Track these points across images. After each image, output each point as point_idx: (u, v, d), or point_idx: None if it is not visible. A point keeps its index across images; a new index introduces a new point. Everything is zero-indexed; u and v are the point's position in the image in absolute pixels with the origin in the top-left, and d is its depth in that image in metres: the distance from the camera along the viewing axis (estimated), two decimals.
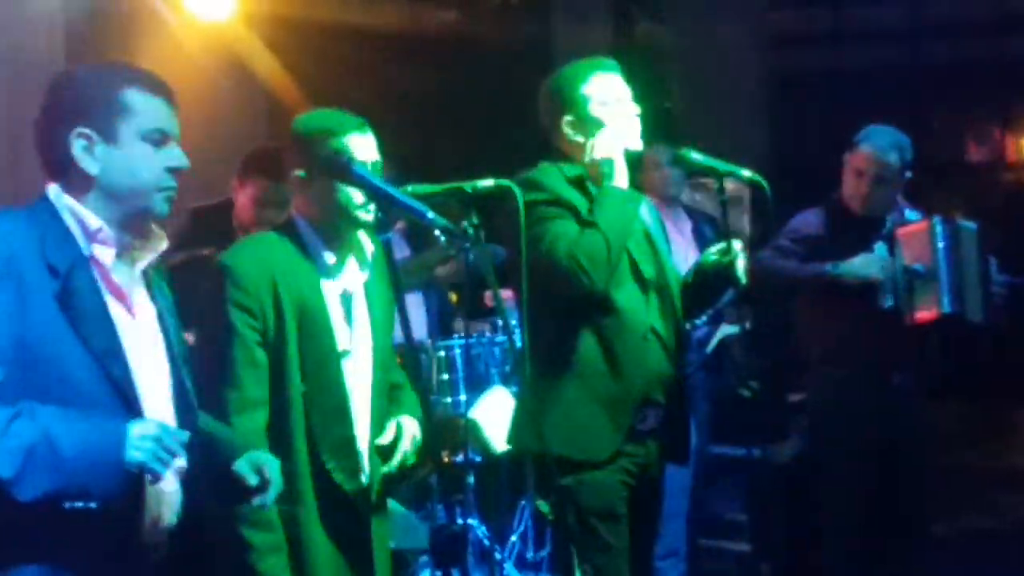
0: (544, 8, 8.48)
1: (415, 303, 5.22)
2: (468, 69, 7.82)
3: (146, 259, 2.48)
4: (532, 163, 3.53)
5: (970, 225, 4.55)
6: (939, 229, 4.44)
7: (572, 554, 3.12)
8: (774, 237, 4.62)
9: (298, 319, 2.89)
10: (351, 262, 3.02)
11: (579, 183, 3.46)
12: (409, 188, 2.96)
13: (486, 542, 4.67)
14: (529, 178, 3.45)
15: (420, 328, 5.09)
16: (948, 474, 5.83)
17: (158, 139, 2.43)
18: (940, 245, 4.42)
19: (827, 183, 4.66)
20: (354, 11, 7.02)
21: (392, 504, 3.57)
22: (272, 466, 2.56)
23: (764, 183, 3.42)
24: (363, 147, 2.95)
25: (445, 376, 4.93)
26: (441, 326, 5.30)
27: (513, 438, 3.60)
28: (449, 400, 4.90)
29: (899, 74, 8.29)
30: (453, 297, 5.62)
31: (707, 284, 3.55)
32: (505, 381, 4.89)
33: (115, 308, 2.39)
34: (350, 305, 3.01)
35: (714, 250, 3.53)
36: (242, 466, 2.54)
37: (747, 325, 5.02)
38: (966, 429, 7.22)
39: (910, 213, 4.61)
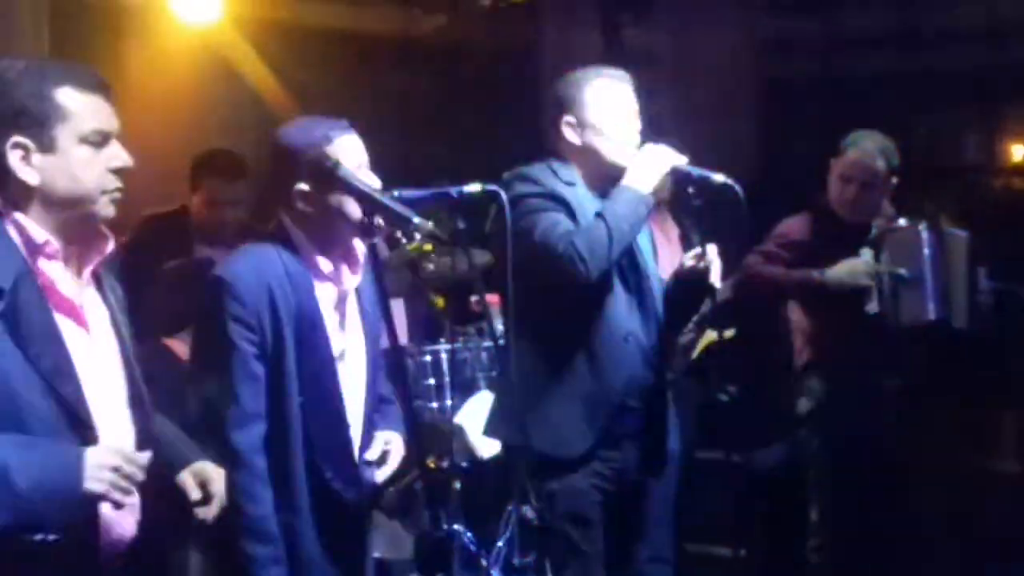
0: (533, 13, 8.48)
1: (397, 309, 5.21)
2: (456, 73, 7.82)
3: (92, 263, 2.38)
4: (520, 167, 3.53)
5: (960, 233, 4.57)
6: (925, 235, 4.46)
7: (545, 560, 3.12)
8: (760, 242, 4.62)
9: (295, 328, 2.88)
10: (344, 266, 3.02)
11: (571, 185, 3.46)
12: (396, 192, 2.95)
13: (472, 548, 4.66)
14: (522, 172, 3.46)
15: (403, 334, 5.08)
16: (935, 477, 5.84)
17: (98, 140, 2.29)
18: (926, 251, 4.44)
19: (816, 189, 4.67)
20: (342, 15, 7.02)
21: (376, 515, 3.57)
22: (218, 481, 2.47)
23: (737, 187, 3.41)
24: (350, 150, 2.94)
25: (431, 381, 4.93)
26: (427, 331, 5.29)
27: (491, 430, 3.60)
28: (435, 405, 4.89)
29: (888, 80, 8.30)
30: (439, 302, 5.61)
31: (685, 290, 3.56)
32: (491, 386, 4.88)
33: (64, 324, 2.29)
34: (344, 309, 3.01)
35: (689, 255, 3.53)
36: (185, 479, 2.47)
37: (733, 332, 5.01)
38: (953, 433, 7.23)
39: (896, 218, 4.62)
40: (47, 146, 2.25)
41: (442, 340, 5.11)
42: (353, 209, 2.86)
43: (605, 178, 3.48)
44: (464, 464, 4.67)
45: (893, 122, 4.94)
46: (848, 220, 4.54)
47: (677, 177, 3.51)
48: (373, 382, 3.06)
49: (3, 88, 2.25)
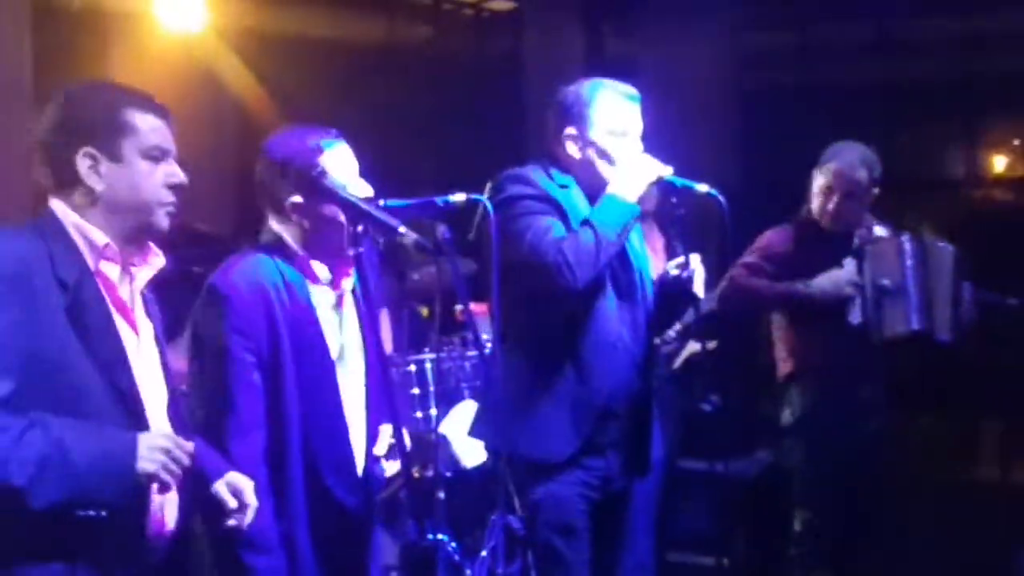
0: (517, 24, 8.51)
1: (382, 319, 5.20)
2: (440, 83, 7.83)
3: (146, 277, 2.56)
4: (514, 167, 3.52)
5: (945, 246, 4.59)
6: (908, 247, 4.48)
7: (530, 569, 3.12)
8: (742, 254, 4.63)
9: (293, 337, 2.88)
10: (340, 268, 3.02)
11: (564, 188, 3.47)
12: (381, 202, 2.95)
13: (456, 558, 4.65)
14: (517, 173, 3.45)
15: (387, 343, 5.08)
16: (915, 487, 5.87)
17: (158, 156, 2.50)
18: (908, 263, 4.45)
19: (797, 200, 4.68)
20: (327, 25, 7.03)
21: None
22: (249, 489, 2.62)
23: (720, 197, 3.43)
24: (338, 160, 2.94)
25: (416, 390, 4.92)
26: (412, 340, 5.28)
27: (477, 433, 3.60)
28: (420, 415, 4.88)
29: (868, 92, 8.34)
30: (424, 311, 5.61)
31: (668, 298, 3.57)
32: (475, 396, 4.88)
33: (119, 322, 2.46)
34: (340, 313, 3.01)
35: (672, 264, 3.54)
36: (220, 488, 2.61)
37: (714, 343, 5.02)
38: (933, 441, 7.27)
39: (878, 229, 4.64)
40: (114, 156, 2.46)
41: (426, 350, 5.11)
42: (341, 217, 2.87)
43: (601, 189, 3.49)
44: (448, 474, 4.67)
45: (874, 134, 4.96)
46: (830, 231, 4.55)
47: (661, 187, 3.52)
48: (373, 379, 3.05)
49: (78, 105, 2.49)
